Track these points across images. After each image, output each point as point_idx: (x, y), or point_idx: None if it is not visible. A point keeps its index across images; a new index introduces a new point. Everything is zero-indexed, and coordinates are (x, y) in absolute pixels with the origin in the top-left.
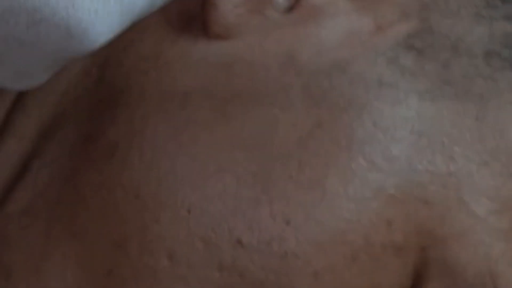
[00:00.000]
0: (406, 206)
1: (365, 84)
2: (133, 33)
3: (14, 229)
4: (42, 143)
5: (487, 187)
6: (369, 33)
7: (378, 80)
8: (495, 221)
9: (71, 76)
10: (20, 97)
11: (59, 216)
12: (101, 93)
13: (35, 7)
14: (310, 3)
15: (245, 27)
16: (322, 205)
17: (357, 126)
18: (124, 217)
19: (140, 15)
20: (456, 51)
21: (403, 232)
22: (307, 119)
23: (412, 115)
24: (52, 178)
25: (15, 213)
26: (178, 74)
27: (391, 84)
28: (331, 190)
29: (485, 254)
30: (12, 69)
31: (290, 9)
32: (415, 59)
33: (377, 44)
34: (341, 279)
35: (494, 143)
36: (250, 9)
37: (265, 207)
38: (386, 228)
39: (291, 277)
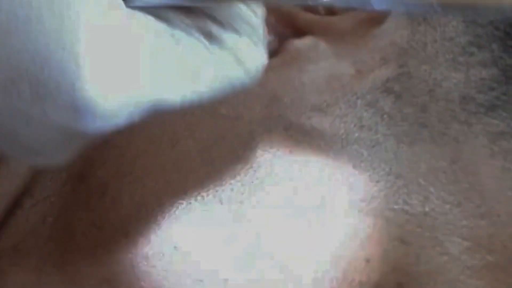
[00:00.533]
0: (383, 245)
1: (345, 127)
2: None
3: (6, 265)
4: (34, 181)
5: (461, 226)
6: (349, 77)
7: (358, 123)
8: (468, 259)
9: None
10: None
11: (50, 253)
12: None
13: (38, 79)
14: (293, 48)
15: None
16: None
17: (336, 161)
18: (114, 256)
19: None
20: (433, 95)
21: (380, 270)
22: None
23: (390, 157)
24: (44, 216)
25: (7, 250)
26: (166, 116)
27: (370, 127)
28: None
29: None
30: (25, 145)
31: (274, 53)
32: (393, 102)
33: (357, 88)
34: None
35: (467, 184)
36: None
37: None
38: (364, 266)
39: None
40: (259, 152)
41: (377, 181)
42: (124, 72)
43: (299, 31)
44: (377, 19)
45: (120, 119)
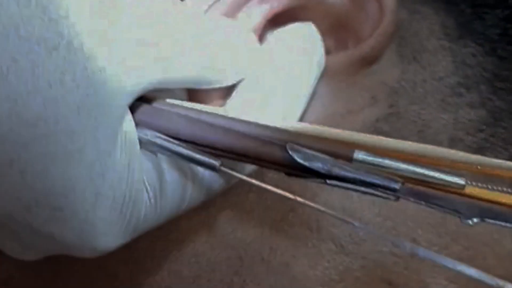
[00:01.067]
0: (371, 287)
1: None
2: None
3: None
4: None
5: (448, 269)
6: (340, 117)
7: None
8: None
9: None
10: None
11: None
12: None
13: (60, 206)
14: None
15: None
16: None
17: (327, 209)
18: None
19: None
20: (422, 136)
21: None
22: (282, 205)
23: (379, 199)
24: None
25: None
26: None
27: None
28: (300, 273)
29: None
30: (18, 243)
31: None
32: None
33: (348, 128)
34: None
35: (455, 227)
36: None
37: None
38: None
39: None
40: None
41: (366, 223)
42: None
43: None
44: (368, 59)
45: (112, 246)
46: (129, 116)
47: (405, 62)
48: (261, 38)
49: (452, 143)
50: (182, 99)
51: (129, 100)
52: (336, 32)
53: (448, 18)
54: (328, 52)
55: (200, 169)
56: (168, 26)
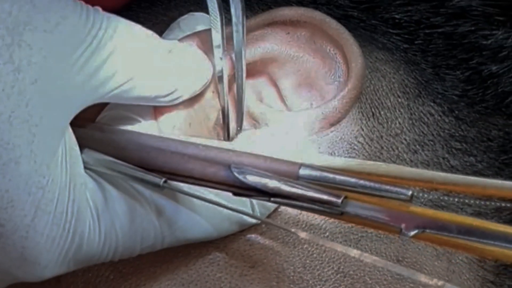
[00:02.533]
0: None
1: (296, 228)
2: None
3: None
4: None
5: None
6: None
7: (308, 222)
8: None
9: None
10: None
11: None
12: None
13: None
14: None
15: None
16: None
17: (288, 266)
18: None
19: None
20: None
21: None
22: (242, 261)
23: (337, 256)
24: None
25: None
26: None
27: (319, 226)
28: None
29: None
30: None
31: None
32: None
33: None
34: None
35: (412, 284)
36: None
37: None
38: None
39: None
40: None
41: (325, 280)
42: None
43: (254, 123)
44: (331, 119)
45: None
46: (69, 133)
47: (364, 118)
48: (230, 85)
49: None
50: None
51: (69, 115)
52: (303, 89)
53: (407, 77)
54: (291, 108)
55: (154, 197)
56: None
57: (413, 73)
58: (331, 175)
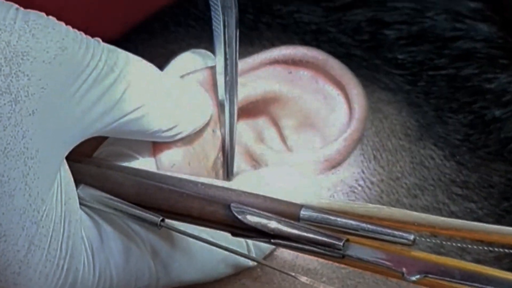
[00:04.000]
0: None
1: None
2: None
3: None
4: None
5: None
6: None
7: (305, 266)
8: None
9: None
10: None
11: None
12: None
13: None
14: None
15: None
16: None
17: None
18: None
19: None
20: None
21: None
22: None
23: None
24: None
25: None
26: None
27: (316, 271)
28: None
29: None
30: None
31: None
32: None
33: None
34: None
35: None
36: None
37: None
38: None
39: None
40: None
41: None
42: None
43: (254, 164)
44: (332, 161)
45: None
46: (65, 168)
47: (365, 160)
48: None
49: None
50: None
51: (66, 149)
52: (304, 129)
53: (410, 119)
54: (293, 149)
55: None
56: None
57: (415, 115)
58: (332, 217)
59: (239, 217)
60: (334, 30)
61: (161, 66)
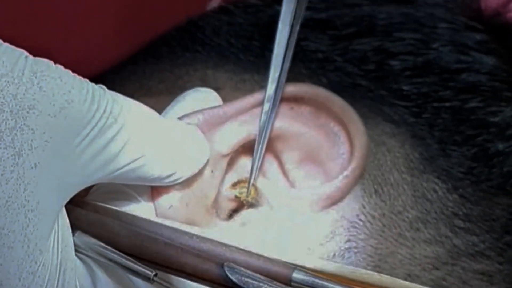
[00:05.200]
0: None
1: None
2: None
3: None
4: None
5: None
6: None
7: None
8: None
9: None
10: None
11: None
12: None
13: None
14: None
15: None
16: None
17: None
18: None
19: None
20: (378, 271)
21: None
22: None
23: None
24: None
25: None
26: None
27: None
28: None
29: None
30: None
31: None
32: None
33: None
34: None
35: None
36: None
37: None
38: None
39: None
40: None
41: None
42: None
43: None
44: (333, 198)
45: None
46: (63, 215)
47: (366, 195)
48: (232, 162)
49: (409, 279)
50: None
51: (65, 198)
52: (306, 164)
53: (413, 152)
54: (294, 185)
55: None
56: None
57: (418, 148)
58: (323, 282)
59: (232, 277)
60: (340, 59)
61: (167, 90)
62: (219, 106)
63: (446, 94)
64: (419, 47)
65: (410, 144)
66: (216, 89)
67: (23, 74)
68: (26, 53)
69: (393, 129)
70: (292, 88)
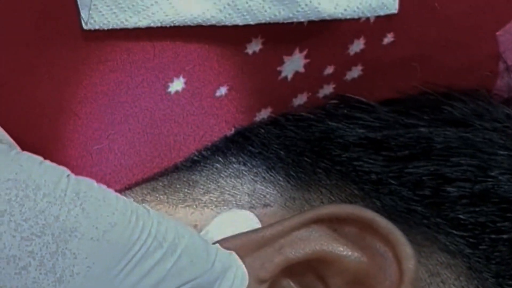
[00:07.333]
0: None
1: None
2: None
3: None
4: None
5: None
6: None
7: None
8: None
9: None
10: None
11: None
12: None
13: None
14: None
15: None
16: None
17: None
18: None
19: None
20: None
21: None
22: None
23: None
24: None
25: None
26: None
27: None
28: None
29: None
30: None
31: None
32: None
33: None
34: None
35: None
36: None
37: None
38: None
39: None
40: None
41: None
42: None
43: None
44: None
45: None
46: None
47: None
48: (273, 286)
49: None
50: None
51: None
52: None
53: (468, 285)
54: None
55: None
56: None
57: (474, 281)
58: None
59: None
60: (395, 183)
61: (212, 202)
62: (257, 230)
63: (505, 225)
64: (476, 174)
65: (466, 276)
66: (265, 206)
67: (65, 194)
68: (68, 171)
69: (449, 260)
70: (335, 209)
